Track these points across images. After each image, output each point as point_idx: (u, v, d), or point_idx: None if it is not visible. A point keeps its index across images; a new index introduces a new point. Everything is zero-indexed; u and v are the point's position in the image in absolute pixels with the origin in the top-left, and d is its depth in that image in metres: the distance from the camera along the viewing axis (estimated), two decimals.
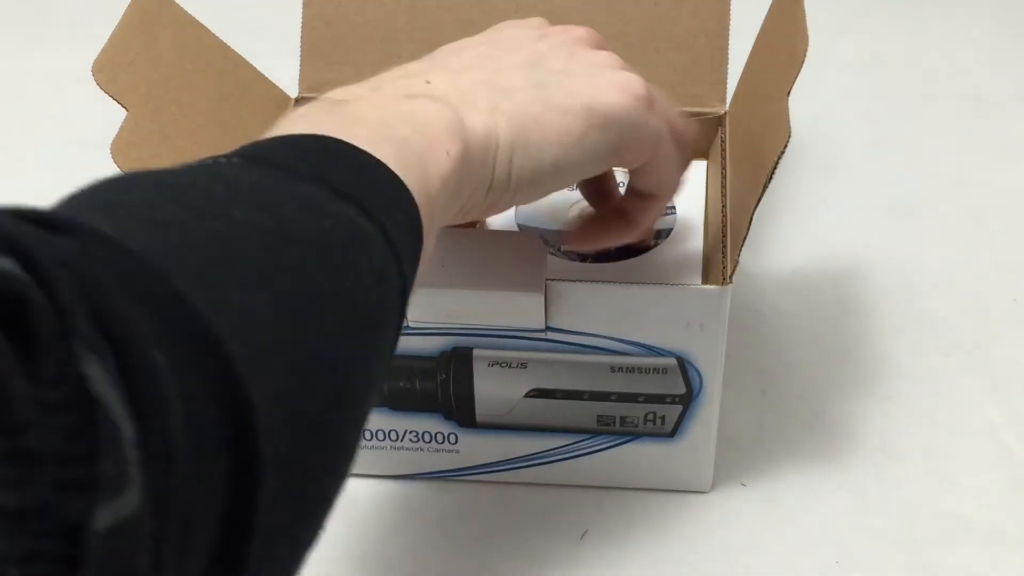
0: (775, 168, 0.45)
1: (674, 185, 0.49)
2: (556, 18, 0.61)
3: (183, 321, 0.26)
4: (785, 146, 0.44)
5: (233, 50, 0.59)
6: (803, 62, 0.45)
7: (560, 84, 0.43)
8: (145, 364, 0.24)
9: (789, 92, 0.46)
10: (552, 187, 0.44)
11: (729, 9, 0.60)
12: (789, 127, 0.44)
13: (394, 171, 0.34)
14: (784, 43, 0.50)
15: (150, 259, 0.26)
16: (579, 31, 0.47)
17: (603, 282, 0.50)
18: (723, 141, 0.59)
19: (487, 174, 0.40)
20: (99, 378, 0.23)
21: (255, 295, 0.29)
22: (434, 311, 0.52)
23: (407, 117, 0.38)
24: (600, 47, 0.47)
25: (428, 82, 0.41)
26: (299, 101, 0.62)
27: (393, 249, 0.33)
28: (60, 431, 0.22)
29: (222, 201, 0.30)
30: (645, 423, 0.55)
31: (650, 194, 0.49)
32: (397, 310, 0.34)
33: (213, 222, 0.29)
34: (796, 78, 0.46)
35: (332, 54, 0.62)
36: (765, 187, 0.46)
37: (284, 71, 0.62)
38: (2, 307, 0.22)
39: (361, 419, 0.33)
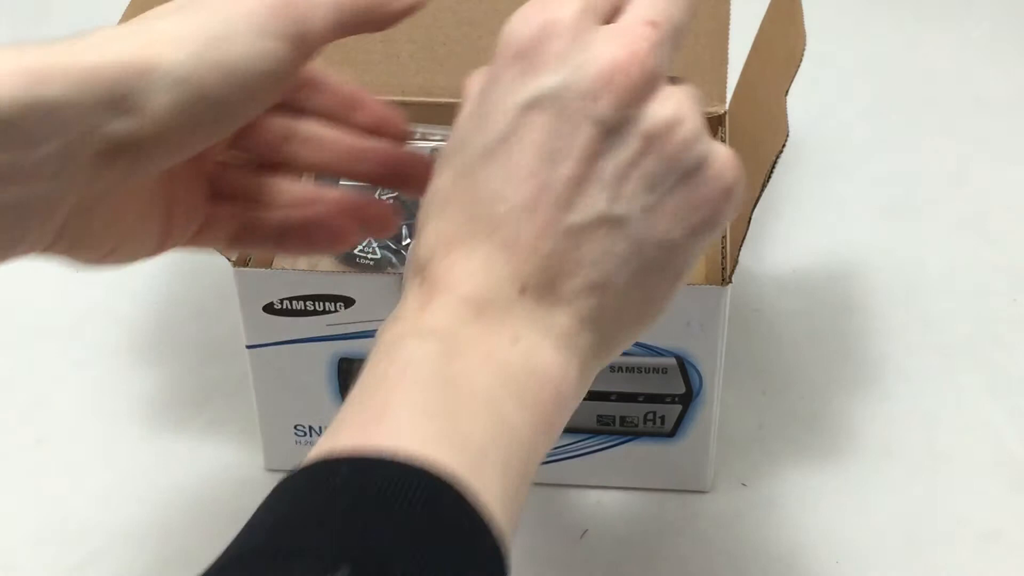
0: (773, 167, 0.45)
1: None
2: None
3: None
4: (783, 146, 0.44)
5: None
6: (801, 61, 0.45)
7: (655, 240, 0.35)
8: None
9: (787, 91, 0.46)
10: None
11: (729, 9, 0.60)
12: (787, 126, 0.44)
13: (495, 529, 0.31)
14: (782, 43, 0.50)
15: None
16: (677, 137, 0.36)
17: None
18: (723, 140, 0.59)
19: (575, 404, 0.37)
20: None
21: None
22: None
23: (517, 381, 0.34)
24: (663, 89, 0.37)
25: (522, 291, 0.35)
26: None
27: None
28: None
29: None
30: (645, 423, 0.55)
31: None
32: None
33: None
34: (794, 77, 0.46)
35: (332, 54, 0.62)
36: (763, 187, 0.46)
37: None
38: None
39: None
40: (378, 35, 0.62)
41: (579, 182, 0.34)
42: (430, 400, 0.33)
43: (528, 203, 0.35)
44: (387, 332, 0.35)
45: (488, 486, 0.32)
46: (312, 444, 0.32)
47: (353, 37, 0.62)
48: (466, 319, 0.35)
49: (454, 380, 0.33)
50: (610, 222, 0.35)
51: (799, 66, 0.45)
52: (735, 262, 0.49)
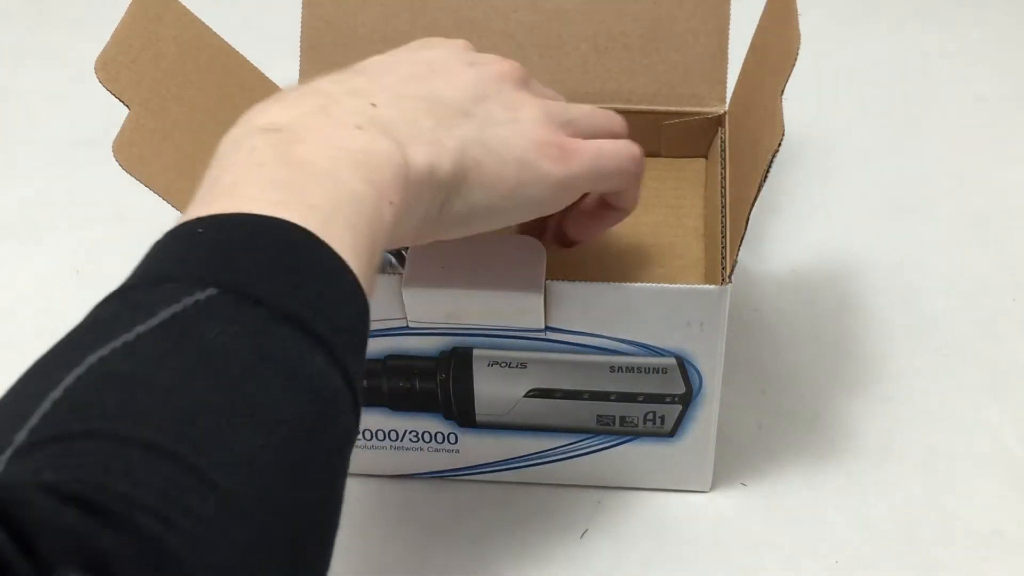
0: (769, 167, 0.45)
1: (631, 196, 0.51)
2: (556, 18, 0.61)
3: None
4: (779, 145, 0.44)
5: (234, 49, 0.59)
6: (796, 61, 0.45)
7: (497, 128, 0.43)
8: None
9: (783, 91, 0.46)
10: (481, 228, 0.45)
11: (729, 9, 0.60)
12: (783, 126, 0.44)
13: (352, 271, 0.35)
14: (778, 42, 0.50)
15: (183, 559, 0.28)
16: (505, 66, 0.46)
17: (603, 282, 0.51)
18: (723, 141, 0.59)
19: (420, 210, 0.41)
20: None
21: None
22: (434, 311, 0.52)
23: (358, 159, 0.37)
24: (524, 85, 0.47)
25: (374, 105, 0.40)
26: None
27: (354, 398, 0.34)
28: None
29: (226, 413, 0.30)
30: (645, 423, 0.55)
31: (612, 205, 0.51)
32: (349, 454, 0.35)
33: (226, 472, 0.30)
34: (789, 77, 0.46)
35: (332, 54, 0.62)
36: (760, 186, 0.46)
37: (284, 71, 0.62)
38: None
39: None
40: (378, 36, 0.63)
41: (448, 72, 0.44)
42: (276, 177, 0.35)
43: (405, 84, 0.42)
44: (229, 135, 0.39)
45: (340, 242, 0.35)
46: None
47: (352, 37, 0.63)
48: (309, 113, 0.38)
49: (298, 160, 0.36)
50: (469, 96, 0.43)
51: (794, 65, 0.45)
52: (735, 262, 0.49)
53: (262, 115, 0.39)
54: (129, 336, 0.31)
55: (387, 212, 0.38)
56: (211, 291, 0.32)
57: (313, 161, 0.37)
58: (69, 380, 0.30)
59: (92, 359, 0.31)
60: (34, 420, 0.29)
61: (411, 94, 0.42)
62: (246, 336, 0.32)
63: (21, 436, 0.29)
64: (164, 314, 0.32)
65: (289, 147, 0.37)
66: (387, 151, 0.38)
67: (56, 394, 0.30)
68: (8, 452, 0.28)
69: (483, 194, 0.43)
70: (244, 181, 0.36)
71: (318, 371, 0.33)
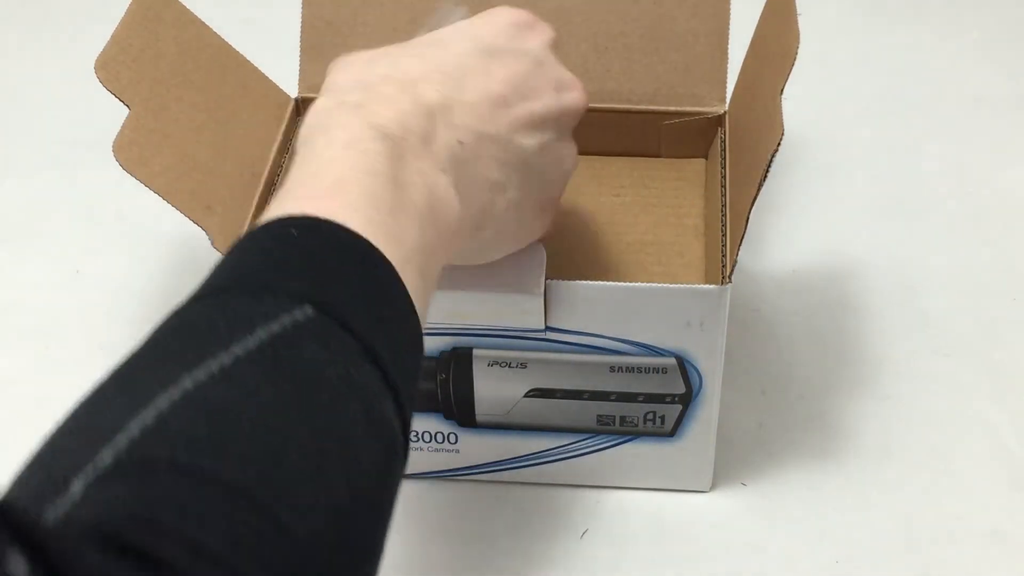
0: (769, 167, 0.45)
1: None
2: (556, 18, 0.61)
3: None
4: (778, 145, 0.44)
5: (234, 49, 0.59)
6: (795, 61, 0.45)
7: (534, 186, 0.46)
8: None
9: (782, 91, 0.46)
10: (468, 262, 0.49)
11: (729, 9, 0.60)
12: (782, 125, 0.44)
13: (417, 315, 0.37)
14: (777, 42, 0.50)
15: None
16: (582, 101, 0.48)
17: (603, 282, 0.51)
18: (723, 141, 0.59)
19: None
20: None
21: None
22: (434, 311, 0.52)
23: (436, 207, 0.39)
24: (572, 127, 0.49)
25: (460, 143, 0.42)
26: (300, 102, 0.62)
27: (406, 451, 0.36)
28: None
29: (314, 455, 0.31)
30: (645, 423, 0.55)
31: None
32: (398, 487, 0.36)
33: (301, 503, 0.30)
34: (788, 77, 0.46)
35: (332, 54, 0.62)
36: (760, 186, 0.46)
37: (284, 71, 0.62)
38: None
39: None
40: (378, 35, 0.63)
41: (527, 94, 0.45)
42: (380, 193, 0.37)
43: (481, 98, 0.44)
44: (338, 121, 0.40)
45: (411, 283, 0.37)
46: None
47: (353, 37, 0.63)
48: (414, 132, 0.40)
49: (398, 183, 0.38)
50: (529, 129, 0.45)
51: (793, 65, 0.45)
52: (734, 262, 0.49)
53: (381, 109, 0.40)
54: (227, 359, 0.31)
55: (439, 265, 0.40)
56: (308, 309, 0.33)
57: (409, 188, 0.38)
58: (163, 404, 0.30)
59: (187, 383, 0.30)
60: (122, 442, 0.29)
61: (492, 133, 0.43)
62: (338, 364, 0.33)
63: (106, 458, 0.28)
64: (262, 333, 0.32)
65: (395, 163, 0.39)
66: (455, 209, 0.41)
67: (147, 419, 0.29)
68: (91, 473, 0.28)
69: (489, 245, 0.47)
70: (351, 184, 0.37)
71: (388, 418, 0.34)
